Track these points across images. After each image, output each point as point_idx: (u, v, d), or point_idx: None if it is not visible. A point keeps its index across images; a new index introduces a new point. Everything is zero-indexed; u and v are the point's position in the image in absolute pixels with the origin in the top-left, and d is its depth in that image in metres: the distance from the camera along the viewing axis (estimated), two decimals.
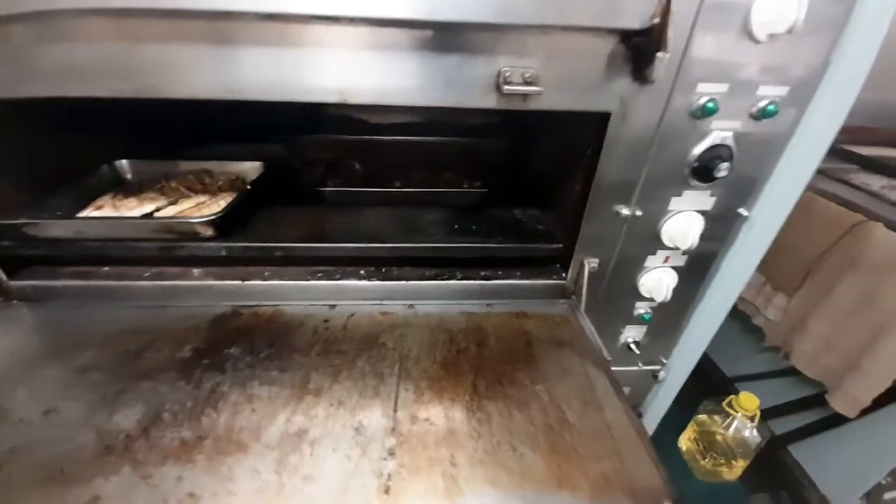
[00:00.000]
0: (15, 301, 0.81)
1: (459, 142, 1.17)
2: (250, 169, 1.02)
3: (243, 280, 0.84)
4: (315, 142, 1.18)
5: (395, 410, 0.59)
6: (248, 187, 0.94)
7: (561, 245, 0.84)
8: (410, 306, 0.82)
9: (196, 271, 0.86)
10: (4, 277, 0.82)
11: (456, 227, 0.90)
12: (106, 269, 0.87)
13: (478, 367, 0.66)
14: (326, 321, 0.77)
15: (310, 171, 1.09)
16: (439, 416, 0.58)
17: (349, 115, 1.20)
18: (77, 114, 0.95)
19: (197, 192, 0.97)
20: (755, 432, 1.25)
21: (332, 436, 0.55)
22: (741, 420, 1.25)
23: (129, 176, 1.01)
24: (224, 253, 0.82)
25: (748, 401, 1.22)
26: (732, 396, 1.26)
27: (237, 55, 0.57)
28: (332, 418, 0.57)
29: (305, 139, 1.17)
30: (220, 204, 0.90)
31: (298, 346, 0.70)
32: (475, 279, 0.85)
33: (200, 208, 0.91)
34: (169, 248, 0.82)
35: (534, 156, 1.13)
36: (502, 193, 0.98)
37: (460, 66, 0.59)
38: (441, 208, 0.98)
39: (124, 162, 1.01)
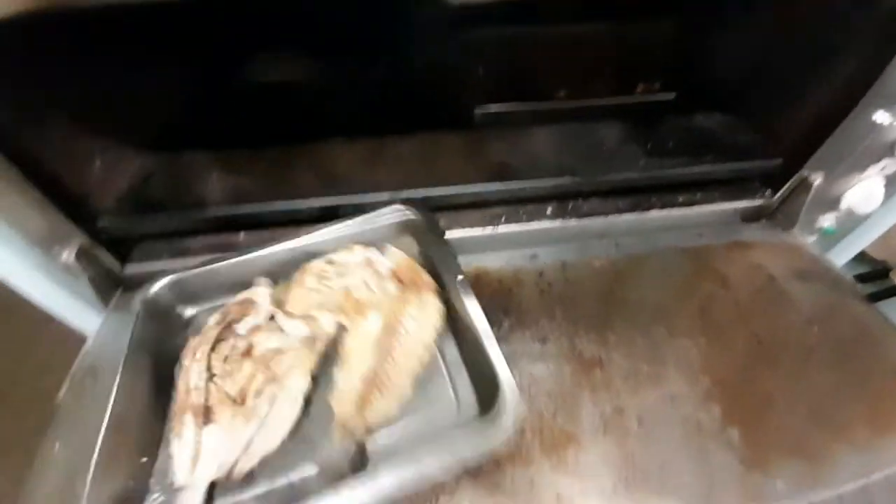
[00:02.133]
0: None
1: (632, 28, 0.91)
2: None
3: None
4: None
5: (696, 374, 0.54)
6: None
7: (780, 160, 0.73)
8: (616, 245, 0.73)
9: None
10: (118, 266, 0.65)
11: (649, 145, 0.75)
12: (242, 235, 0.70)
13: (742, 314, 0.60)
14: (541, 274, 0.66)
15: (454, 89, 0.85)
16: (743, 375, 0.53)
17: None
18: None
19: None
20: None
21: (653, 411, 0.50)
22: None
23: None
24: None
25: None
26: None
27: None
28: (638, 391, 0.52)
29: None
30: None
31: (535, 310, 0.61)
32: (675, 206, 0.75)
33: None
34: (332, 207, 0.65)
35: (736, 47, 0.90)
36: (691, 97, 0.80)
37: None
38: (617, 121, 0.81)
39: None
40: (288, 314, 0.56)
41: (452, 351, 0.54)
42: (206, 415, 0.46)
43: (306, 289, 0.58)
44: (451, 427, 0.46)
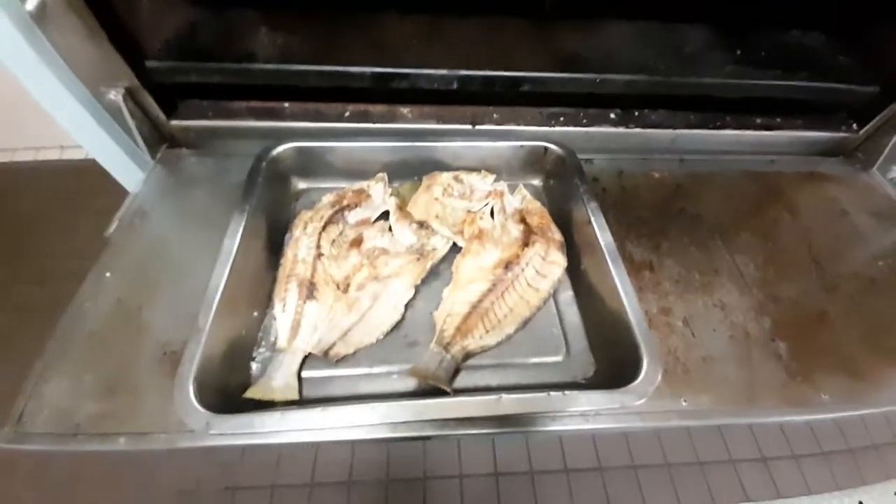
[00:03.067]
0: (183, 149, 0.63)
1: None
2: None
3: (473, 124, 0.66)
4: None
5: (750, 287, 0.52)
6: None
7: (876, 89, 0.65)
8: (681, 161, 0.68)
9: (407, 110, 0.67)
10: (163, 117, 0.62)
11: (738, 52, 0.67)
12: (287, 105, 0.67)
13: (807, 240, 0.58)
14: (596, 180, 0.64)
15: None
16: (799, 295, 0.53)
17: None
18: None
19: None
20: None
21: (700, 315, 0.50)
22: None
23: None
24: (455, 85, 0.62)
25: None
26: None
27: None
28: (686, 295, 0.51)
29: None
30: None
31: None
32: (751, 128, 0.69)
33: None
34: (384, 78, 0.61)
35: None
36: (780, 7, 0.70)
37: None
38: (705, 24, 0.71)
39: None
40: (405, 215, 0.54)
41: (571, 302, 0.51)
42: (309, 289, 0.47)
43: (431, 196, 0.56)
44: (555, 375, 0.45)
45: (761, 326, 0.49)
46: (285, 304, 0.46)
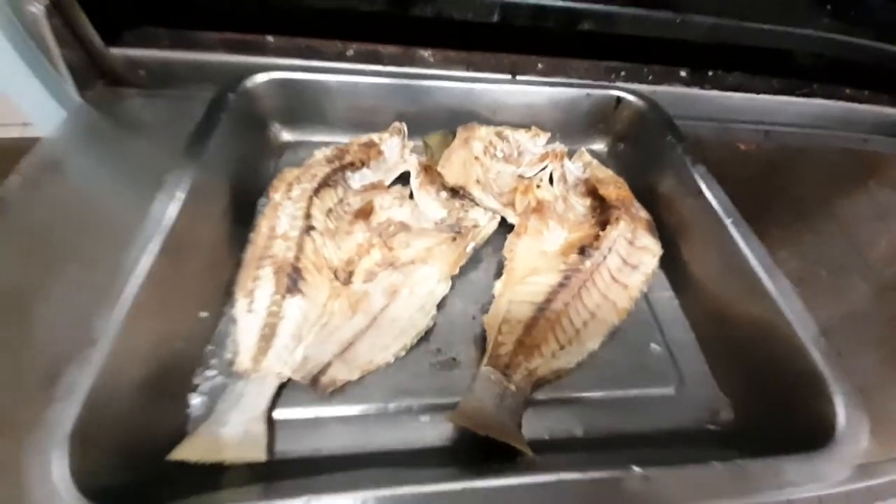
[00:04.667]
0: (127, 88, 0.46)
1: None
2: None
3: (512, 74, 0.51)
4: None
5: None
6: None
7: None
8: (767, 133, 0.54)
9: (428, 53, 0.51)
10: (101, 44, 0.45)
11: (829, 6, 0.54)
12: (271, 38, 0.50)
13: None
14: None
15: None
16: None
17: None
18: None
19: None
20: None
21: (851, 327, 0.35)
22: None
23: None
24: (496, 17, 0.46)
25: None
26: None
27: None
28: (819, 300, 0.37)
29: None
30: None
31: None
32: (839, 98, 0.57)
33: None
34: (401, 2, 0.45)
35: None
36: None
37: None
38: None
39: None
40: (432, 178, 0.38)
41: (672, 306, 0.35)
42: (292, 279, 0.30)
43: (470, 153, 0.38)
44: (668, 416, 0.29)
45: None
46: (253, 301, 0.29)
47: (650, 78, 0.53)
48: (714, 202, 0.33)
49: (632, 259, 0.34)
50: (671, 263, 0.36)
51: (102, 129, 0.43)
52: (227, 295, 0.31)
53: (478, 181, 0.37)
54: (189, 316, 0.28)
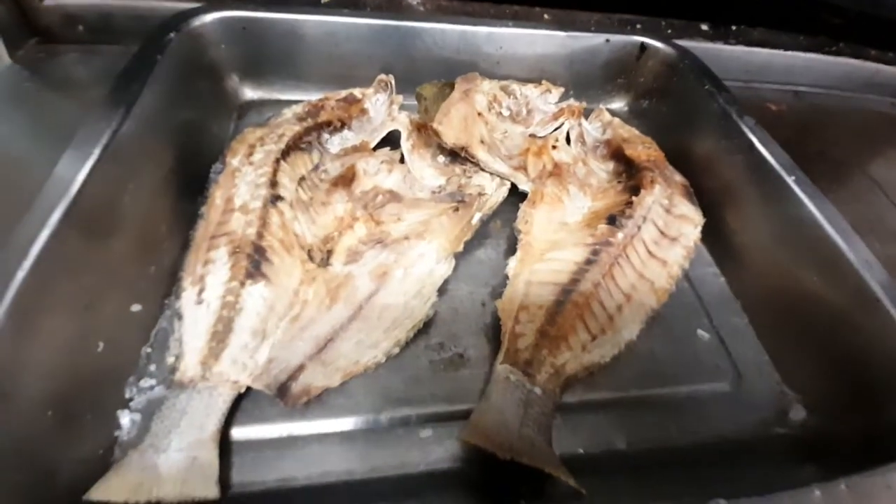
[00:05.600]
0: (62, 45, 0.38)
1: None
2: None
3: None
4: None
5: None
6: None
7: None
8: (796, 94, 0.48)
9: (417, 1, 0.44)
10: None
11: None
12: None
13: None
14: None
15: None
16: None
17: None
18: None
19: None
20: None
21: None
22: None
23: None
24: None
25: None
26: None
27: None
28: None
29: None
30: None
31: None
32: (867, 59, 0.51)
33: None
34: None
35: None
36: None
37: None
38: None
39: None
40: (426, 140, 0.31)
41: (719, 285, 0.29)
42: (253, 261, 0.23)
43: (472, 108, 0.31)
44: (726, 419, 0.23)
45: None
46: (203, 289, 0.22)
47: (669, 32, 0.47)
48: (770, 158, 0.27)
49: (670, 230, 0.28)
50: (714, 235, 0.30)
51: (30, 91, 0.35)
52: (169, 283, 0.24)
53: (482, 141, 0.30)
54: (116, 309, 0.22)
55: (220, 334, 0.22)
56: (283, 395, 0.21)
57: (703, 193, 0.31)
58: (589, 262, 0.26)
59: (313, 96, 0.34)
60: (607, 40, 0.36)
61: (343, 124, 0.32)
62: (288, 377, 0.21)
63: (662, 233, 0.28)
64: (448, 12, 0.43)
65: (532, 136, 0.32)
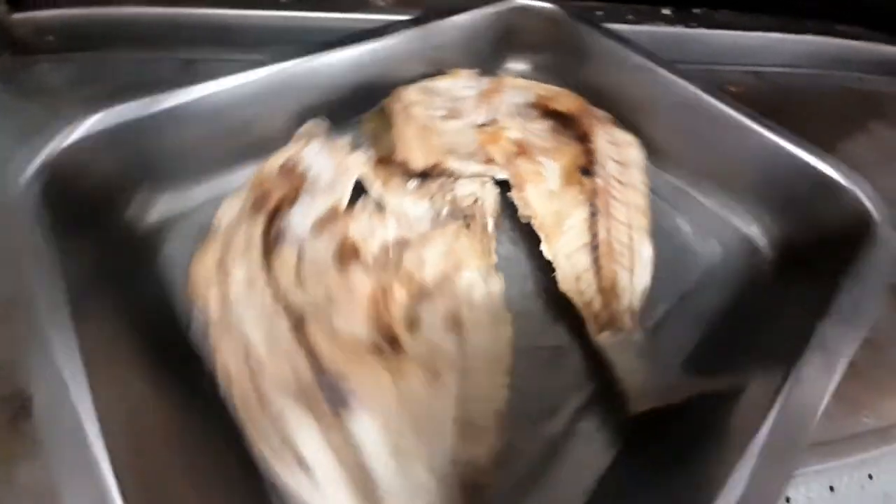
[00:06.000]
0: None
1: None
2: None
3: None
4: None
5: None
6: None
7: None
8: (757, 74, 0.51)
9: None
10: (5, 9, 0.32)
11: None
12: None
13: None
14: None
15: None
16: None
17: None
18: None
19: None
20: None
21: None
22: None
23: None
24: None
25: None
26: None
27: None
28: None
29: None
30: None
31: None
32: (833, 36, 0.54)
33: None
34: None
35: None
36: None
37: None
38: None
39: None
40: (392, 170, 0.29)
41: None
42: (333, 404, 0.19)
43: (418, 123, 0.30)
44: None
45: None
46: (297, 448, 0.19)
47: (629, 17, 0.48)
48: (659, 67, 0.33)
49: (623, 157, 0.33)
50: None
51: (6, 101, 0.34)
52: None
53: (448, 151, 0.30)
54: None
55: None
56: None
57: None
58: (593, 214, 0.29)
59: (226, 183, 0.28)
60: (494, 12, 0.37)
61: (294, 197, 0.28)
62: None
63: (620, 163, 0.33)
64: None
65: (479, 126, 0.33)
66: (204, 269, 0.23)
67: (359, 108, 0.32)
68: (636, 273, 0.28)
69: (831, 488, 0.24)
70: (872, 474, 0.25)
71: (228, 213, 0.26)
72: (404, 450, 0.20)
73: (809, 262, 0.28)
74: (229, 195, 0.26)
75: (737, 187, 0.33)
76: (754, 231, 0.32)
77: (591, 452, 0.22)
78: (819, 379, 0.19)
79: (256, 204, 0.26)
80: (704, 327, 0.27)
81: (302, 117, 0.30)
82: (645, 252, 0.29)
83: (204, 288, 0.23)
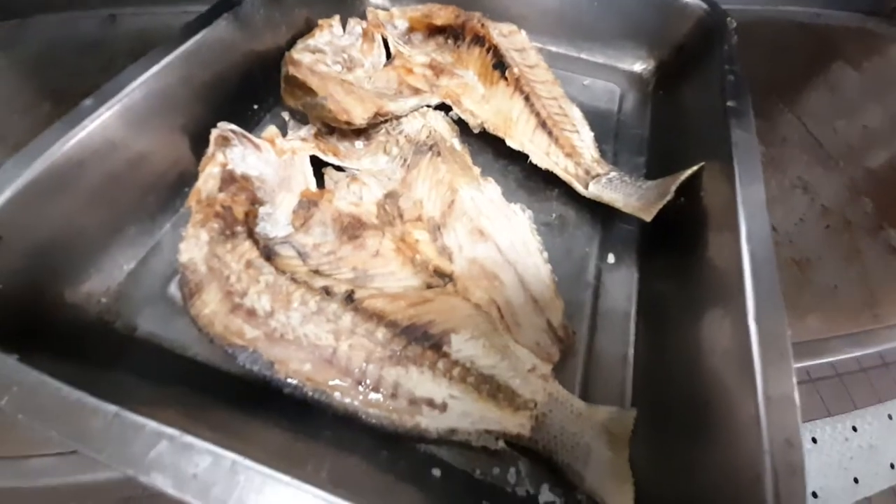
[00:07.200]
0: None
1: None
2: None
3: None
4: None
5: (835, 160, 0.38)
6: None
7: None
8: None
9: None
10: None
11: None
12: None
13: (880, 96, 0.45)
14: None
15: None
16: None
17: None
18: None
19: None
20: None
21: (779, 200, 0.36)
22: None
23: None
24: None
25: None
26: None
27: None
28: None
29: None
30: None
31: None
32: None
33: None
34: None
35: None
36: None
37: None
38: None
39: None
40: (339, 135, 0.29)
41: None
42: (433, 345, 0.20)
43: (338, 81, 0.28)
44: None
45: (862, 210, 0.34)
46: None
47: None
48: None
49: (517, 45, 0.35)
50: None
51: None
52: None
53: (378, 96, 0.28)
54: None
55: None
56: None
57: None
58: (527, 101, 0.32)
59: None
60: None
61: (254, 202, 0.24)
62: None
63: (517, 50, 0.35)
64: None
65: (386, 66, 0.32)
66: (216, 315, 0.20)
67: (245, 98, 0.29)
68: (581, 132, 0.32)
69: (814, 440, 0.23)
70: (857, 426, 0.24)
71: (195, 251, 0.22)
72: (503, 345, 0.22)
73: (683, 71, 0.35)
74: (182, 236, 0.23)
75: (616, 40, 0.39)
76: (638, 66, 0.39)
77: (620, 279, 0.27)
78: None
79: (225, 227, 0.23)
80: (643, 146, 0.34)
81: (187, 123, 0.25)
82: (576, 113, 0.33)
83: (237, 336, 0.20)
